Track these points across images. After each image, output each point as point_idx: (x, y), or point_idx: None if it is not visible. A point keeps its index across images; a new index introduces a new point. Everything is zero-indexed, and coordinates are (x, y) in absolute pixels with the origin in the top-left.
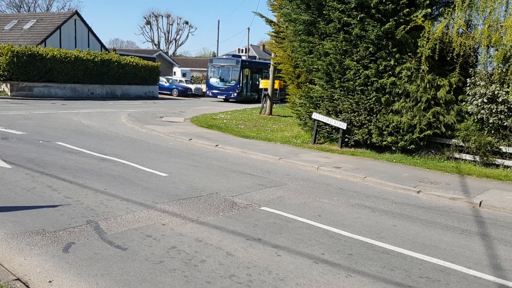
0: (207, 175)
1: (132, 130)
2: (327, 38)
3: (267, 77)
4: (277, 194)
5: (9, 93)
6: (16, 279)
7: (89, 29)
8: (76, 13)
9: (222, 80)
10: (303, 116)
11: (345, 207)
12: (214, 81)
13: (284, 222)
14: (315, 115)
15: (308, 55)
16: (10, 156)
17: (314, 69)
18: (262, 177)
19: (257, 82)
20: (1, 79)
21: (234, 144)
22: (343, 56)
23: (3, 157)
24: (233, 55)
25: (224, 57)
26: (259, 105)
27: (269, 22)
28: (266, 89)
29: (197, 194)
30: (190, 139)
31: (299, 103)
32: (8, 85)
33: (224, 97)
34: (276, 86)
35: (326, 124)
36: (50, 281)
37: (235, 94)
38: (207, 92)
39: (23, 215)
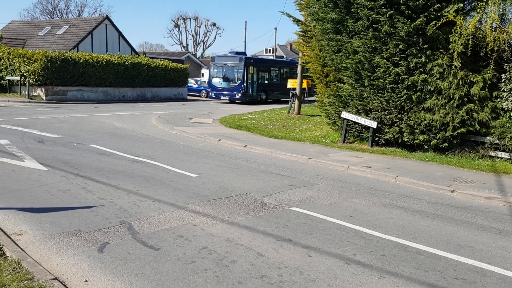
0: (236, 176)
1: (163, 131)
2: (356, 36)
3: (276, 76)
4: (307, 194)
5: (44, 97)
6: (53, 279)
7: (120, 33)
8: (107, 18)
9: (225, 79)
10: (332, 115)
11: (377, 207)
12: (216, 81)
13: (315, 222)
14: (345, 114)
15: (336, 54)
16: (46, 158)
17: (342, 68)
18: (291, 177)
19: (265, 82)
20: (36, 83)
21: (263, 144)
22: (372, 54)
23: (40, 159)
24: (237, 52)
25: (227, 54)
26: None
27: (297, 21)
28: (294, 89)
29: (227, 194)
30: (219, 140)
31: (328, 102)
32: (43, 89)
33: (227, 98)
34: (304, 85)
35: (355, 123)
36: (86, 281)
37: (240, 95)
38: (210, 93)
39: (59, 216)
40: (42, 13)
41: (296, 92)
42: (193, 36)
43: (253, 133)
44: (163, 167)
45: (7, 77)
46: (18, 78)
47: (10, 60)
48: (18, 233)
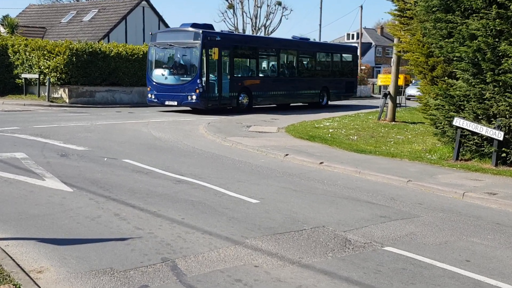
0: (309, 203)
1: (213, 143)
2: (473, 15)
3: (275, 66)
4: (406, 229)
5: (67, 100)
6: None
7: (160, 18)
8: None
9: (172, 71)
10: (440, 123)
11: (505, 250)
12: (159, 74)
13: (418, 268)
14: (458, 121)
15: (446, 39)
16: (71, 177)
17: (455, 58)
18: (384, 206)
19: (249, 74)
20: (58, 83)
21: (344, 161)
22: (496, 40)
23: (63, 178)
24: (193, 25)
25: (177, 28)
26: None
27: None
28: (386, 87)
29: (297, 227)
30: (286, 155)
31: (434, 104)
32: (66, 90)
33: (175, 102)
34: (401, 82)
35: (473, 133)
36: None
37: (195, 97)
38: (148, 96)
39: (87, 249)
40: None
41: (389, 91)
42: (251, 20)
43: (331, 146)
44: (215, 190)
45: (23, 75)
46: (36, 76)
47: (27, 53)
48: (38, 270)
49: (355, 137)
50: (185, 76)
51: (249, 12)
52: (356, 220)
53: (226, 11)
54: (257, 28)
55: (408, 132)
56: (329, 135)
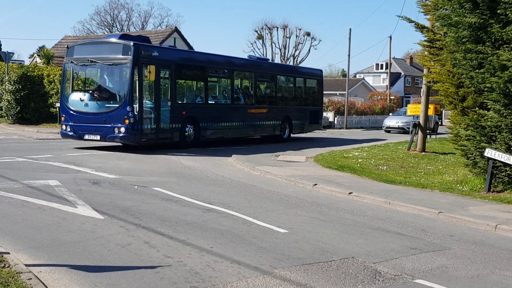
0: (338, 233)
1: (241, 172)
2: (504, 46)
3: (216, 87)
4: (437, 262)
5: None
6: None
7: (190, 48)
8: (176, 30)
9: (94, 96)
10: (472, 154)
11: None
12: (76, 99)
13: None
14: (489, 152)
15: (476, 70)
16: (102, 204)
17: (485, 89)
18: (414, 237)
19: (189, 101)
20: None
21: (373, 191)
22: None
23: (95, 205)
24: (122, 36)
25: (100, 40)
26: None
27: (420, 27)
28: (416, 117)
29: (326, 258)
30: (315, 185)
31: (465, 135)
32: None
33: (97, 136)
34: (431, 112)
35: (505, 164)
36: None
37: (123, 130)
38: (62, 128)
39: (118, 277)
40: (100, 26)
41: (419, 121)
42: (280, 50)
43: (360, 176)
44: (243, 219)
45: (57, 104)
46: None
47: None
48: None
49: (385, 167)
50: (111, 102)
51: (278, 42)
52: (386, 252)
53: (255, 42)
54: (285, 58)
55: (438, 163)
56: (358, 165)
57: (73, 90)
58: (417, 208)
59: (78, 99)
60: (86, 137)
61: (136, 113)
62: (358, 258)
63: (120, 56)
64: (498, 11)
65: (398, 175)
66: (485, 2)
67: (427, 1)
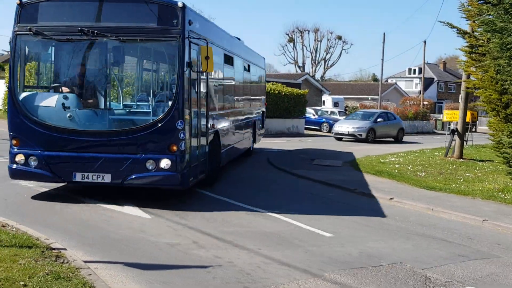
0: (383, 238)
1: (280, 174)
2: None
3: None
4: (486, 270)
5: None
6: None
7: None
8: None
9: (90, 100)
10: None
11: None
12: (49, 105)
13: None
14: None
15: None
16: (148, 203)
17: None
18: (461, 244)
19: (215, 108)
20: None
21: (414, 197)
22: None
23: (139, 204)
24: None
25: None
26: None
27: (462, 33)
28: (454, 123)
29: (374, 262)
30: (355, 189)
31: (508, 142)
32: None
33: (106, 177)
34: (468, 118)
35: None
36: None
37: (170, 164)
38: (16, 160)
39: (170, 275)
40: None
41: (457, 128)
42: (311, 53)
43: (399, 182)
44: (287, 221)
45: None
46: None
47: None
48: None
49: (423, 173)
50: (138, 111)
51: (309, 45)
52: (433, 258)
53: (286, 45)
54: (316, 62)
55: (477, 170)
56: (396, 170)
57: (39, 87)
58: (461, 215)
59: (53, 105)
60: (79, 178)
61: (188, 133)
62: (406, 263)
63: (155, 26)
64: None
65: (437, 181)
66: None
67: (469, 7)
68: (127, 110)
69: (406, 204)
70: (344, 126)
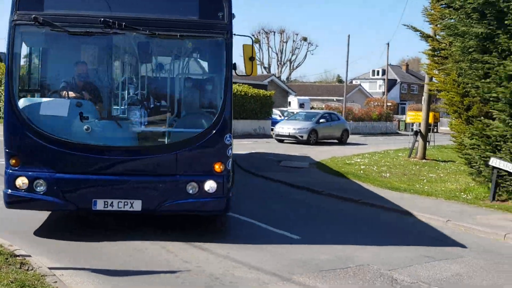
0: (352, 240)
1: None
2: (511, 56)
3: None
4: (451, 270)
5: None
6: None
7: None
8: None
9: (134, 105)
10: (476, 162)
11: None
12: (58, 112)
13: None
14: (494, 162)
15: (482, 80)
16: None
17: (491, 99)
18: (426, 245)
19: None
20: None
21: (381, 199)
22: None
23: None
24: None
25: None
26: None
27: (425, 36)
28: (417, 124)
29: (342, 264)
30: (322, 191)
31: (469, 144)
32: None
33: (134, 204)
34: (431, 119)
35: (510, 173)
36: None
37: (215, 186)
38: (17, 185)
39: (138, 280)
40: None
41: (420, 129)
42: (277, 54)
43: (365, 183)
44: (255, 224)
45: None
46: None
47: None
48: None
49: (387, 174)
50: (176, 122)
51: (275, 47)
52: (400, 259)
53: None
54: (282, 63)
55: (439, 171)
56: (361, 171)
57: (45, 91)
58: (425, 216)
59: (66, 114)
60: (101, 206)
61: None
62: (373, 265)
63: (196, 19)
64: (506, 22)
65: (401, 182)
66: (493, 13)
67: (432, 11)
68: (161, 121)
69: (373, 206)
70: (285, 127)
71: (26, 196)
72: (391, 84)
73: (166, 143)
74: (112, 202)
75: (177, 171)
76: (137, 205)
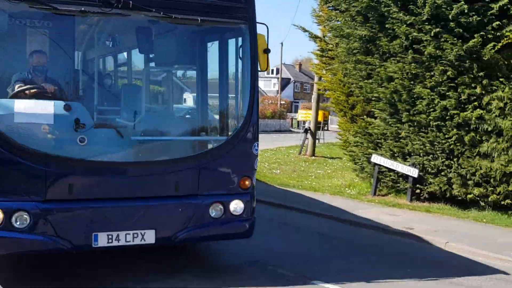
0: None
1: None
2: (391, 58)
3: None
4: (334, 265)
5: None
6: None
7: None
8: None
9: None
10: (359, 159)
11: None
12: (44, 119)
13: None
14: (376, 158)
15: (365, 80)
16: None
17: (373, 98)
18: (312, 241)
19: None
20: None
21: (270, 195)
22: (412, 82)
23: None
24: None
25: None
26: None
27: (314, 37)
28: (307, 122)
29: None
30: None
31: (353, 141)
32: None
33: (147, 235)
34: (320, 117)
35: (390, 169)
36: None
37: (242, 206)
38: None
39: None
40: None
41: (310, 127)
42: None
43: (257, 180)
44: None
45: None
46: None
47: None
48: None
49: (278, 170)
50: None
51: None
52: (290, 255)
53: None
54: None
55: (327, 167)
56: None
57: (24, 89)
58: (309, 210)
59: (51, 121)
60: (103, 241)
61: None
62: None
63: (214, 1)
64: (386, 26)
65: (291, 178)
66: (375, 17)
67: (320, 12)
68: (178, 128)
69: (263, 203)
70: None
71: (1, 236)
72: (285, 83)
73: (185, 155)
74: (118, 235)
75: (198, 190)
76: (150, 236)
